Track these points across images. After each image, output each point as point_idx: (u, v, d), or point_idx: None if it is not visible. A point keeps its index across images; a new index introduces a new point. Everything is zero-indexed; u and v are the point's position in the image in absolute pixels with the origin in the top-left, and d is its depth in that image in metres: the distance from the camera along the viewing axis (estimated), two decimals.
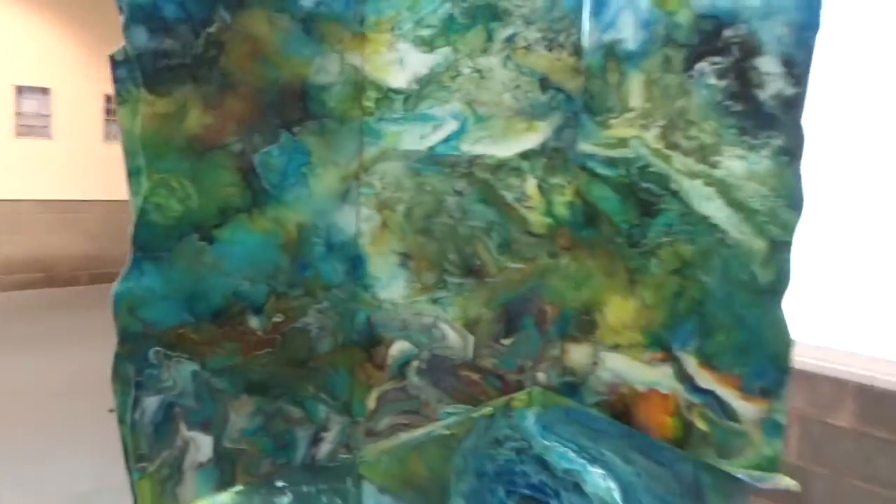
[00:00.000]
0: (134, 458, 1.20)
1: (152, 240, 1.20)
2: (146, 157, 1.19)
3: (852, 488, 2.74)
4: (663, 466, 1.36)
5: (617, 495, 1.23)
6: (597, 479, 1.28)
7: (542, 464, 1.33)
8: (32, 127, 7.39)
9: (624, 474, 1.30)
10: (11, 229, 7.21)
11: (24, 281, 7.28)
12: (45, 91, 7.42)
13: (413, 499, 1.20)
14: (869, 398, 2.70)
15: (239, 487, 1.35)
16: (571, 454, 1.36)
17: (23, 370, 4.49)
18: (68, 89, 7.51)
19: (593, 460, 1.34)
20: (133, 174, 1.19)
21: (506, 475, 1.29)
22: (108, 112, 7.81)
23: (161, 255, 1.21)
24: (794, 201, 1.46)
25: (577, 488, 1.25)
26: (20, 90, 7.29)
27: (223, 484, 1.35)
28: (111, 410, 1.19)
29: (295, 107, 1.36)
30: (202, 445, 1.31)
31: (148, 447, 1.22)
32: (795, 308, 3.04)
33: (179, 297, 1.24)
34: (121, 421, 1.19)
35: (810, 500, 2.86)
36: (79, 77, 7.56)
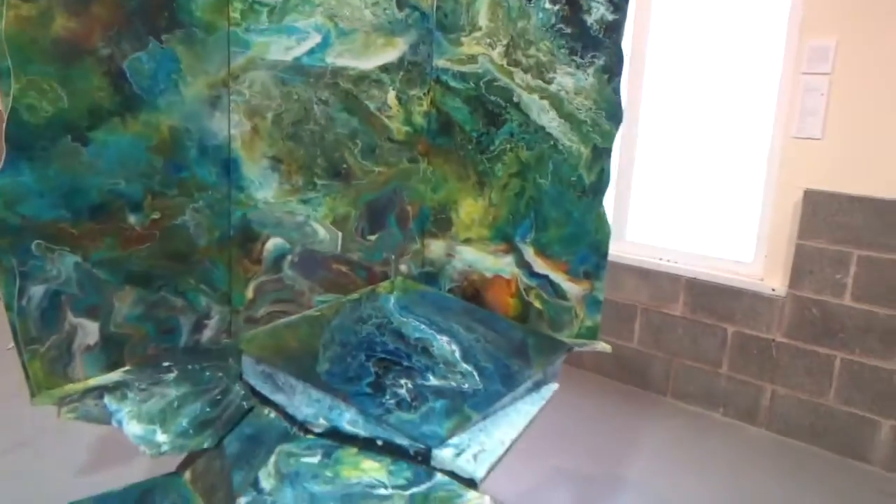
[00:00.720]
0: (24, 341, 1.32)
1: (26, 139, 1.26)
2: (13, 58, 1.24)
3: (683, 367, 3.29)
4: (498, 333, 1.66)
5: (458, 354, 1.51)
6: (443, 343, 1.55)
7: (398, 335, 1.58)
8: None
9: (465, 340, 1.59)
10: None
11: None
12: None
13: (285, 366, 1.41)
14: (696, 289, 3.20)
15: (127, 367, 1.51)
16: (423, 326, 1.63)
17: None
18: None
19: (441, 331, 1.61)
20: (3, 75, 1.23)
21: (366, 344, 1.53)
22: None
23: (35, 154, 1.28)
24: (613, 114, 1.74)
25: (426, 351, 1.52)
26: None
27: (111, 365, 1.49)
28: None
29: (161, 15, 1.42)
30: (89, 330, 1.43)
31: (37, 331, 1.33)
32: (640, 213, 3.45)
33: (56, 194, 1.32)
34: (8, 308, 1.29)
35: (651, 378, 3.39)
36: None
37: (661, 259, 3.37)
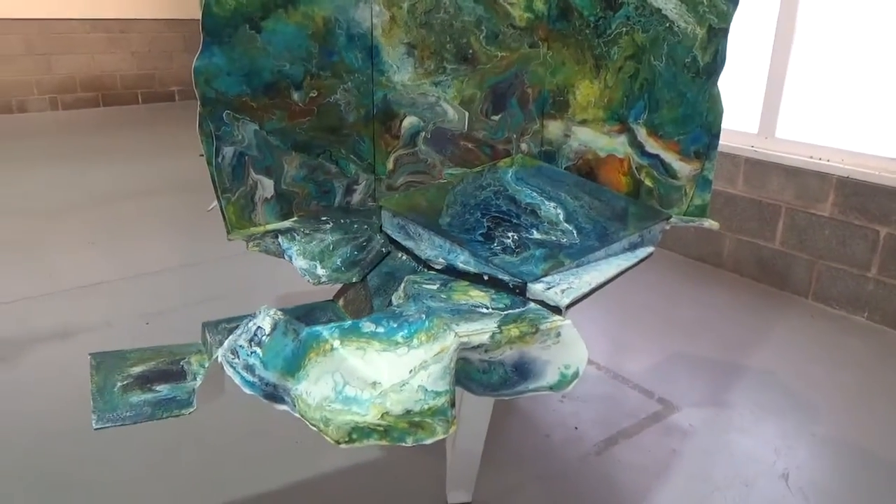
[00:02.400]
0: (220, 189, 1.72)
1: (216, 27, 1.61)
2: None
3: (828, 269, 3.20)
4: (602, 202, 1.82)
5: (562, 217, 1.71)
6: (549, 207, 1.76)
7: (511, 199, 1.81)
8: None
9: (571, 205, 1.78)
10: (69, 49, 7.60)
11: (86, 100, 7.81)
12: None
13: (415, 218, 1.70)
14: (848, 189, 3.06)
15: (295, 218, 1.89)
16: (535, 194, 1.83)
17: (98, 177, 5.14)
18: None
19: (550, 197, 1.81)
20: None
21: (483, 205, 1.77)
22: None
23: (223, 40, 1.62)
24: None
25: (534, 213, 1.74)
26: None
27: (283, 215, 1.88)
28: (201, 155, 1.69)
29: None
30: (266, 186, 1.81)
31: (229, 183, 1.73)
32: (792, 109, 3.34)
33: (239, 73, 1.67)
34: (208, 163, 1.69)
35: (793, 280, 3.34)
36: None
37: (811, 157, 3.22)
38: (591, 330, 2.93)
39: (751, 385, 2.51)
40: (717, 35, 1.79)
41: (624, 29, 1.91)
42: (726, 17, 1.77)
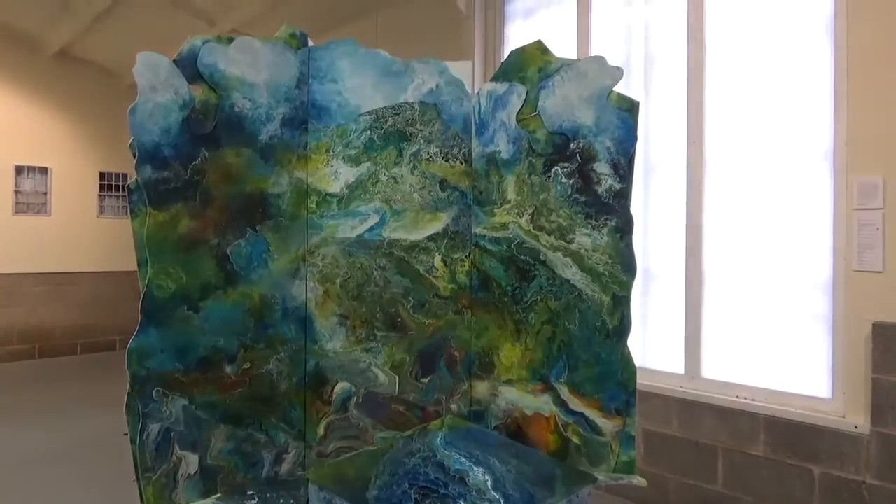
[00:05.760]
0: (141, 469, 1.67)
1: (155, 309, 1.70)
2: (150, 252, 1.71)
3: None
4: (530, 465, 1.84)
5: (489, 484, 1.70)
6: (478, 474, 1.76)
7: (441, 466, 1.80)
8: (30, 204, 7.90)
9: (498, 471, 1.78)
10: (9, 302, 7.63)
11: (20, 352, 7.65)
12: (43, 170, 7.96)
13: (341, 492, 1.67)
14: (777, 428, 3.16)
15: (218, 495, 1.82)
16: (463, 459, 1.84)
17: (16, 439, 4.82)
18: (65, 168, 8.05)
19: (478, 463, 1.82)
20: (141, 264, 1.70)
21: (412, 474, 1.76)
22: (102, 188, 8.34)
23: (161, 321, 1.71)
24: (628, 266, 1.99)
25: (462, 481, 1.73)
26: (19, 170, 7.82)
27: (206, 492, 1.81)
28: (125, 434, 1.67)
29: (257, 211, 1.89)
30: (191, 462, 1.77)
31: (151, 461, 1.69)
32: (711, 352, 3.51)
33: (173, 351, 1.73)
34: (132, 441, 1.66)
35: None
36: (76, 156, 8.13)
37: (737, 397, 3.37)
38: None
39: None
40: (620, 302, 1.98)
41: (539, 297, 2.10)
42: (627, 287, 1.98)
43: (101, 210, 8.36)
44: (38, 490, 3.85)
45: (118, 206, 8.33)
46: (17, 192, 7.79)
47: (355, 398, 2.08)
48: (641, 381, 3.54)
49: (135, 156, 1.69)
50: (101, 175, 8.27)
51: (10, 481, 3.96)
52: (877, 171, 2.93)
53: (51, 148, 7.99)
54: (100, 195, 8.32)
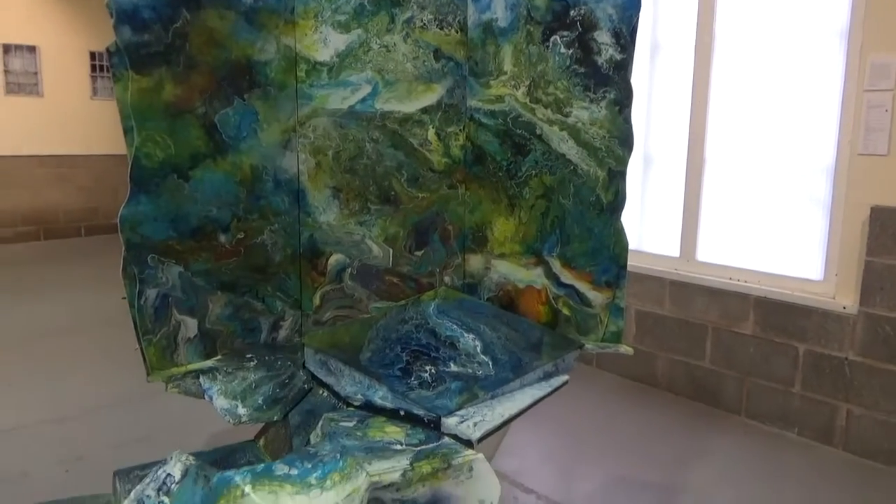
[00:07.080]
0: (141, 331, 1.73)
1: (144, 178, 1.69)
2: (135, 119, 1.68)
3: (756, 386, 3.31)
4: (519, 332, 1.90)
5: (479, 348, 1.77)
6: (468, 339, 1.82)
7: (432, 332, 1.87)
8: (22, 84, 7.71)
9: (488, 337, 1.85)
10: (9, 184, 7.64)
11: (26, 234, 7.75)
12: (31, 49, 7.70)
13: (336, 354, 1.74)
14: (766, 308, 3.24)
15: (219, 357, 1.89)
16: (455, 326, 1.90)
17: (25, 313, 5.01)
18: (53, 47, 7.79)
19: (469, 329, 1.88)
20: (127, 131, 1.67)
21: (403, 339, 1.83)
22: (94, 69, 8.10)
23: (151, 189, 1.71)
24: (625, 140, 1.96)
25: (452, 346, 1.80)
26: (7, 48, 7.57)
27: (206, 354, 1.88)
28: (123, 298, 1.71)
29: (244, 79, 1.83)
30: (190, 325, 1.83)
31: (150, 324, 1.74)
32: (709, 234, 3.57)
33: (166, 219, 1.74)
34: (131, 305, 1.71)
35: (725, 397, 3.43)
36: (65, 35, 7.84)
37: (730, 279, 3.43)
38: (532, 456, 2.91)
39: None
40: (616, 177, 1.97)
41: (533, 172, 2.08)
42: (623, 161, 1.96)
43: (95, 92, 8.17)
44: (60, 356, 4.05)
45: (111, 88, 8.13)
46: (6, 71, 7.58)
47: (350, 269, 2.11)
48: (637, 264, 3.62)
49: (112, 16, 1.61)
50: (92, 55, 8.02)
51: (30, 350, 4.14)
52: (893, 50, 2.81)
53: (38, 25, 7.69)
54: (91, 76, 8.11)
